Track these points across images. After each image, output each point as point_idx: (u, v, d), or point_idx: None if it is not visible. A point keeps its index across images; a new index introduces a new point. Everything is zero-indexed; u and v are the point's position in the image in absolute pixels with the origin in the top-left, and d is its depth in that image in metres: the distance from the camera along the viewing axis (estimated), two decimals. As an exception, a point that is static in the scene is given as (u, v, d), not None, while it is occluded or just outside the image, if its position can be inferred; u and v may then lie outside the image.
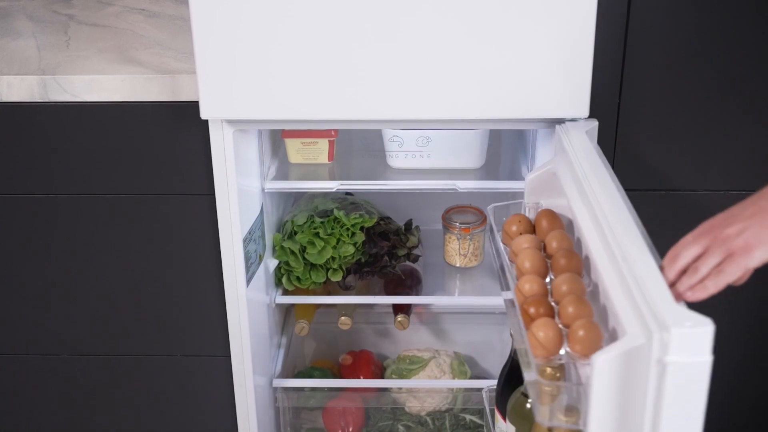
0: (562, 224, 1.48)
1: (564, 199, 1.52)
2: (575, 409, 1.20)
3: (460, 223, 2.01)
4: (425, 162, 1.86)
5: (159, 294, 1.82)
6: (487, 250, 2.09)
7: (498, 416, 1.58)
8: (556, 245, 1.41)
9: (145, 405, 1.94)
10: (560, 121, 1.57)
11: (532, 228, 1.49)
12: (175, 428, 1.96)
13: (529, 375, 1.22)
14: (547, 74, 1.52)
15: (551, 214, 1.48)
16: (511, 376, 1.56)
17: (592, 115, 1.56)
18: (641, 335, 1.07)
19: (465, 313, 2.22)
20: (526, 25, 1.49)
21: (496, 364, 2.20)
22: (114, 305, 1.84)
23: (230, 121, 1.62)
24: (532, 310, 1.26)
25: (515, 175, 1.87)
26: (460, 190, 1.81)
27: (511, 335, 1.49)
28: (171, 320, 1.85)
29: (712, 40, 1.64)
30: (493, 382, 2.03)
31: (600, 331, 1.21)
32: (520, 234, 1.46)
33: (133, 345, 1.87)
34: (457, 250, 2.04)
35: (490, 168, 1.89)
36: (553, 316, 1.27)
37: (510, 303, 1.36)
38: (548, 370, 1.23)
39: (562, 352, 1.22)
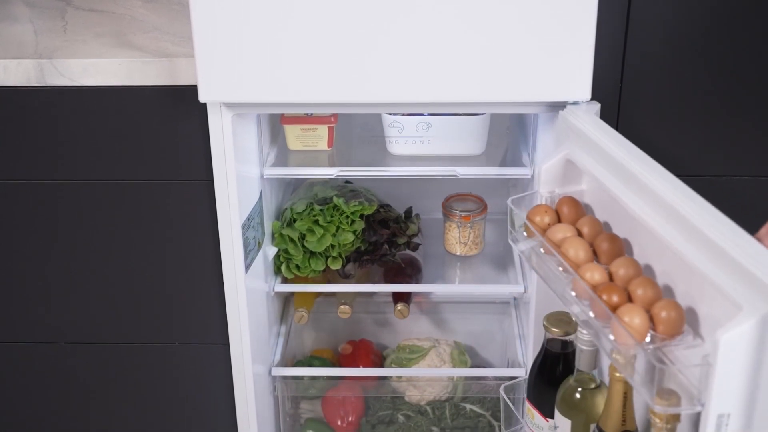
0: (584, 209, 1.47)
1: (579, 184, 1.51)
2: (673, 392, 1.19)
3: (461, 211, 2.00)
4: (425, 148, 1.84)
5: (157, 281, 1.81)
6: (488, 239, 2.08)
7: (533, 410, 1.55)
8: (589, 230, 1.41)
9: (143, 393, 1.92)
10: (562, 104, 1.56)
11: (557, 217, 1.47)
12: (173, 417, 1.95)
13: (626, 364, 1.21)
14: (548, 56, 1.50)
15: (572, 201, 1.47)
16: (544, 367, 1.53)
17: (593, 99, 1.55)
18: (764, 306, 1.07)
19: (465, 303, 2.20)
20: (528, 7, 1.48)
21: (496, 354, 2.19)
22: (111, 292, 1.82)
23: (229, 105, 1.60)
24: (605, 297, 1.25)
25: (516, 161, 1.85)
26: (460, 177, 1.80)
27: (545, 326, 1.48)
28: (169, 308, 1.83)
29: (716, 22, 1.63)
30: (495, 371, 2.03)
31: (682, 310, 1.21)
32: (548, 225, 1.44)
33: (130, 332, 1.86)
34: (457, 239, 2.02)
35: (491, 155, 1.88)
36: (627, 302, 1.26)
37: (569, 293, 1.34)
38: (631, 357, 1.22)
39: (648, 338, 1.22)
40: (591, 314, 1.28)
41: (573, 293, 1.33)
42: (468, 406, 2.03)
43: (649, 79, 1.67)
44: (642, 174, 1.31)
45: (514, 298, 2.15)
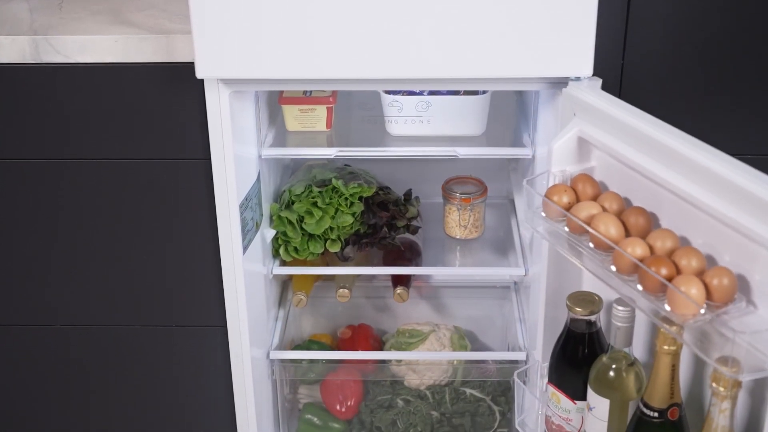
0: (599, 187, 1.46)
1: (588, 162, 1.49)
2: (733, 359, 1.18)
3: (461, 194, 1.98)
4: (425, 128, 1.82)
5: (153, 262, 1.79)
6: (488, 224, 2.06)
7: (558, 393, 1.52)
8: (611, 206, 1.40)
9: (140, 376, 1.90)
10: (563, 80, 1.54)
11: (576, 195, 1.46)
12: (170, 400, 1.93)
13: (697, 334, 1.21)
14: (550, 31, 1.48)
15: (589, 178, 1.46)
16: (568, 349, 1.51)
17: (594, 75, 1.53)
18: None
19: (465, 287, 2.18)
20: (529, -20, 1.46)
21: (496, 339, 2.18)
22: (106, 273, 1.80)
23: (226, 82, 1.58)
24: (654, 269, 1.24)
25: (516, 142, 1.83)
26: (460, 157, 1.78)
27: (569, 306, 1.46)
28: (165, 289, 1.81)
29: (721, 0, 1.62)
30: (496, 355, 2.01)
31: (734, 276, 1.21)
32: (568, 204, 1.43)
33: (126, 314, 1.84)
34: (457, 222, 2.00)
35: (491, 135, 1.86)
36: (677, 273, 1.26)
37: (608, 269, 1.33)
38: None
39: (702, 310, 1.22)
40: (639, 287, 1.26)
41: (613, 268, 1.31)
42: (468, 391, 2.01)
43: (651, 57, 1.65)
44: (679, 144, 1.29)
45: (515, 283, 2.14)
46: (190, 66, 1.56)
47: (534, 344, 1.82)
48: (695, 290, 1.20)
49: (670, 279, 1.23)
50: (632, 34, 1.64)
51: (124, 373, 1.90)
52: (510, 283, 2.15)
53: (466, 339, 2.08)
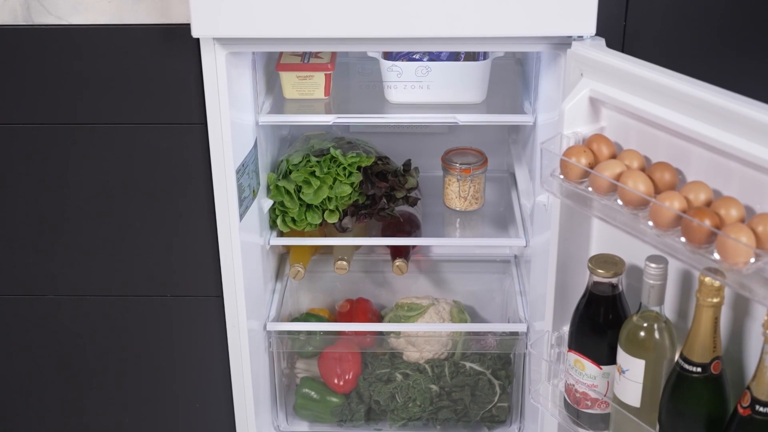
0: (614, 146, 1.44)
1: (597, 122, 1.47)
2: None
3: (461, 164, 1.96)
4: (425, 95, 1.79)
5: (148, 230, 1.76)
6: (489, 198, 2.04)
7: (583, 360, 1.49)
8: (630, 163, 1.38)
9: (134, 347, 1.87)
10: (566, 41, 1.51)
11: (594, 156, 1.43)
12: (164, 373, 1.90)
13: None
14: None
15: (603, 138, 1.44)
16: (590, 313, 1.47)
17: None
18: None
19: (465, 262, 2.16)
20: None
21: (496, 314, 2.15)
22: (100, 241, 1.77)
23: (222, 42, 1.56)
24: (708, 222, 1.23)
25: (517, 109, 1.81)
26: (460, 124, 1.76)
27: (591, 269, 1.43)
28: (161, 259, 1.78)
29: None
30: (496, 326, 1.98)
31: None
32: (588, 165, 1.41)
33: (120, 284, 1.81)
34: (457, 193, 1.98)
35: (491, 103, 1.84)
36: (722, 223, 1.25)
37: (644, 226, 1.31)
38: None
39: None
40: (683, 240, 1.25)
41: (651, 224, 1.30)
42: (468, 364, 1.98)
43: (654, 17, 1.63)
44: (710, 93, 1.27)
45: (515, 256, 2.11)
46: (186, 27, 1.54)
47: (536, 315, 1.79)
48: (745, 238, 1.19)
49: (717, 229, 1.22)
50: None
51: (118, 344, 1.87)
52: (510, 257, 2.13)
53: (466, 313, 2.05)
